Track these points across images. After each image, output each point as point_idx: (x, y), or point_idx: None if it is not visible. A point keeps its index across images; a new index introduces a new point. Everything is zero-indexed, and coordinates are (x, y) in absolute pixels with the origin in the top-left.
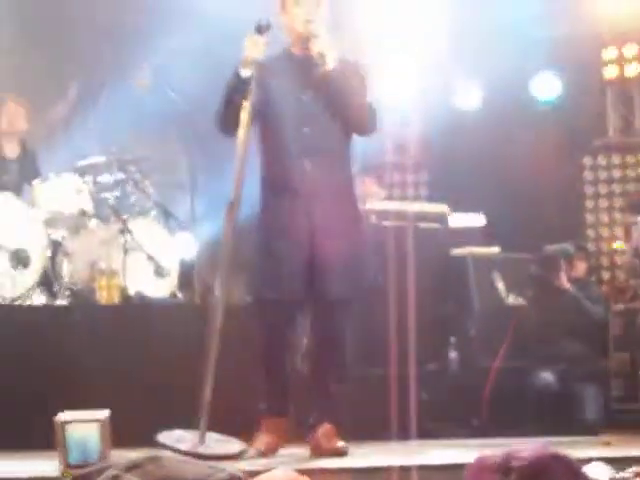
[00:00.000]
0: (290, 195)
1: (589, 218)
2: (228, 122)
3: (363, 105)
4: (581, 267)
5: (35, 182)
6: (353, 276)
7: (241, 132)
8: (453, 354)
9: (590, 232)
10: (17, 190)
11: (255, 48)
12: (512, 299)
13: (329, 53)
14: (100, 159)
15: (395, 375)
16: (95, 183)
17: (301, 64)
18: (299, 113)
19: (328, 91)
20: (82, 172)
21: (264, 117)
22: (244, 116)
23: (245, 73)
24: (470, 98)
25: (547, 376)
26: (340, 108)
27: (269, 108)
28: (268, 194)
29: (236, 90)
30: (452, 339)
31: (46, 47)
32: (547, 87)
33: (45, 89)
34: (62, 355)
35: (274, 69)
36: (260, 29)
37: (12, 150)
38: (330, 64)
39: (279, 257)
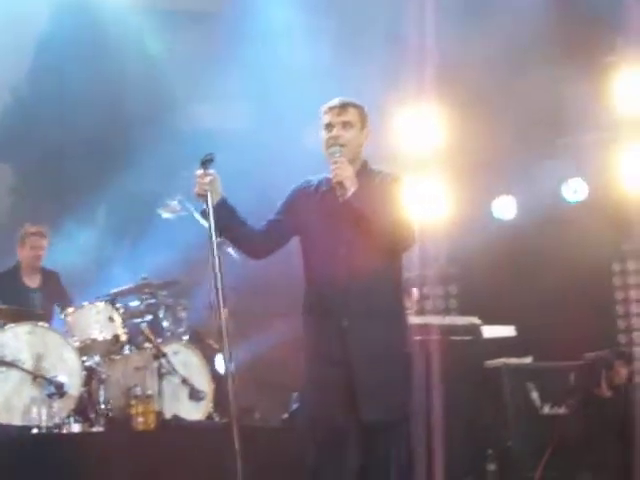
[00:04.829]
0: (328, 318)
1: (621, 324)
2: (240, 249)
3: (388, 228)
4: (622, 373)
5: (69, 310)
6: (392, 400)
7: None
8: (491, 466)
9: (622, 337)
10: (42, 318)
11: (200, 181)
12: (547, 409)
13: (348, 180)
14: (130, 285)
15: None
16: (127, 309)
17: (331, 189)
18: (334, 235)
19: (349, 217)
20: (114, 299)
21: (304, 240)
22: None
23: (203, 206)
24: (505, 209)
25: None
26: (366, 232)
27: (308, 232)
28: (308, 318)
29: (216, 224)
30: (489, 451)
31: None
32: (575, 192)
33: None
34: None
35: (314, 193)
36: (204, 163)
37: (33, 280)
38: (349, 192)
39: (317, 381)
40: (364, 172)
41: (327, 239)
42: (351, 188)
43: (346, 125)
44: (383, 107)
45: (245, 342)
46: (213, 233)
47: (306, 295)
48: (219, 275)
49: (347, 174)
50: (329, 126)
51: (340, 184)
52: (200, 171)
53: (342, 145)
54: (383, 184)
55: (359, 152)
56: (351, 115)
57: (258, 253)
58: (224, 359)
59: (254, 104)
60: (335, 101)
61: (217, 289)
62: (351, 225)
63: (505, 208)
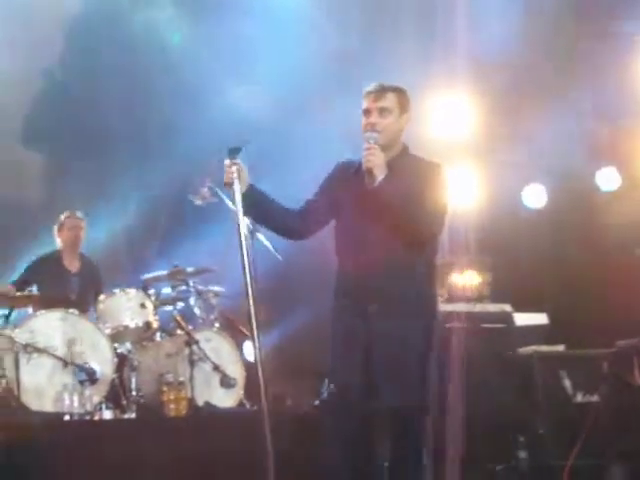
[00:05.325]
0: (356, 302)
1: None
2: (277, 232)
3: (413, 217)
4: None
5: (101, 297)
6: (412, 387)
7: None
8: (522, 453)
9: None
10: (79, 304)
11: (228, 170)
12: (580, 397)
13: (377, 168)
14: (162, 272)
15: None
16: (158, 296)
17: (363, 174)
18: (364, 221)
19: (375, 205)
20: (145, 286)
21: (337, 222)
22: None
23: (231, 195)
24: (536, 196)
25: (622, 473)
26: (389, 220)
27: (341, 214)
28: (336, 302)
29: (247, 211)
30: (521, 438)
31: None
32: (608, 181)
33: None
34: (130, 468)
35: (352, 175)
36: (231, 152)
37: (73, 264)
38: (376, 180)
39: (340, 367)
40: (403, 157)
41: (357, 224)
42: (379, 176)
43: (383, 111)
44: (414, 93)
45: (276, 328)
46: (241, 221)
47: (337, 279)
48: (248, 263)
49: (377, 162)
50: (367, 112)
51: (369, 171)
52: (227, 161)
53: (378, 132)
54: (420, 171)
55: (398, 137)
56: (389, 101)
57: (295, 234)
58: (254, 346)
59: (284, 90)
60: (372, 86)
61: (246, 277)
62: (377, 212)
63: (536, 196)
